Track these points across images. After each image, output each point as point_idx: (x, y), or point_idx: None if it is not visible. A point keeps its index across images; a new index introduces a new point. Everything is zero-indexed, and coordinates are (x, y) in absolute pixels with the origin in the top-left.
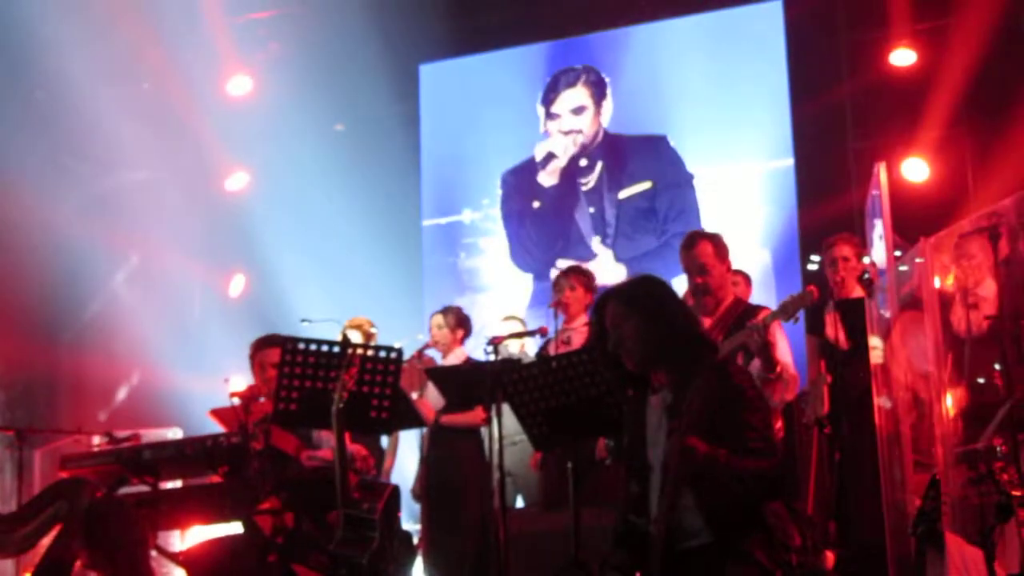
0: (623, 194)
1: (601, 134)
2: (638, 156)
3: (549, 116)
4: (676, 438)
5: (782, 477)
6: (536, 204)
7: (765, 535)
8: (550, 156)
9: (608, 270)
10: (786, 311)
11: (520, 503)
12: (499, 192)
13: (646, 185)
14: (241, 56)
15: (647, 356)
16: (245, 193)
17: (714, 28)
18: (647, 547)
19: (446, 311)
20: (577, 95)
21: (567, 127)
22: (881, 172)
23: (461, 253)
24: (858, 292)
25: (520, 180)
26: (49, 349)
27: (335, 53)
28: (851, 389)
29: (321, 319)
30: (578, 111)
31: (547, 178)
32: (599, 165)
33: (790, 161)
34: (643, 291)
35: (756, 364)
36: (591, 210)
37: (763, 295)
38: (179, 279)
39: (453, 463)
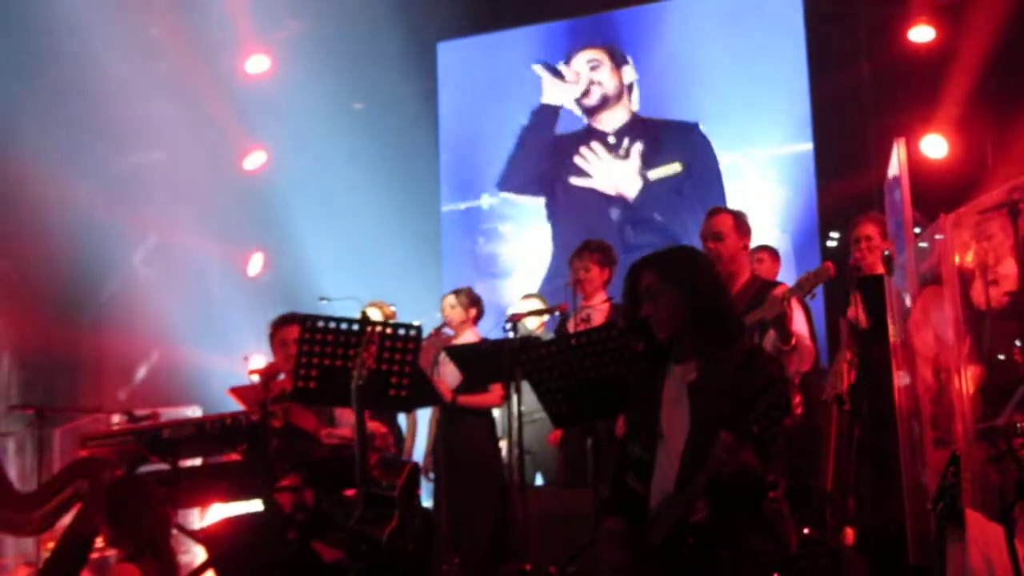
0: (652, 174)
1: (628, 112)
2: (669, 140)
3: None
4: (725, 439)
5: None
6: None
7: (765, 529)
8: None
9: (630, 246)
10: (802, 287)
11: (539, 481)
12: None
13: (676, 167)
14: (259, 35)
15: (678, 327)
16: (263, 172)
17: (733, 5)
18: (643, 514)
19: (458, 291)
20: (590, 53)
21: (583, 85)
22: (900, 149)
23: (480, 239)
24: (880, 270)
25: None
26: (69, 328)
27: (353, 31)
28: (871, 365)
29: (340, 297)
30: (594, 65)
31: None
32: (626, 140)
33: (809, 144)
34: (680, 261)
35: (770, 336)
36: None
37: (782, 275)
38: (198, 258)
39: (462, 441)
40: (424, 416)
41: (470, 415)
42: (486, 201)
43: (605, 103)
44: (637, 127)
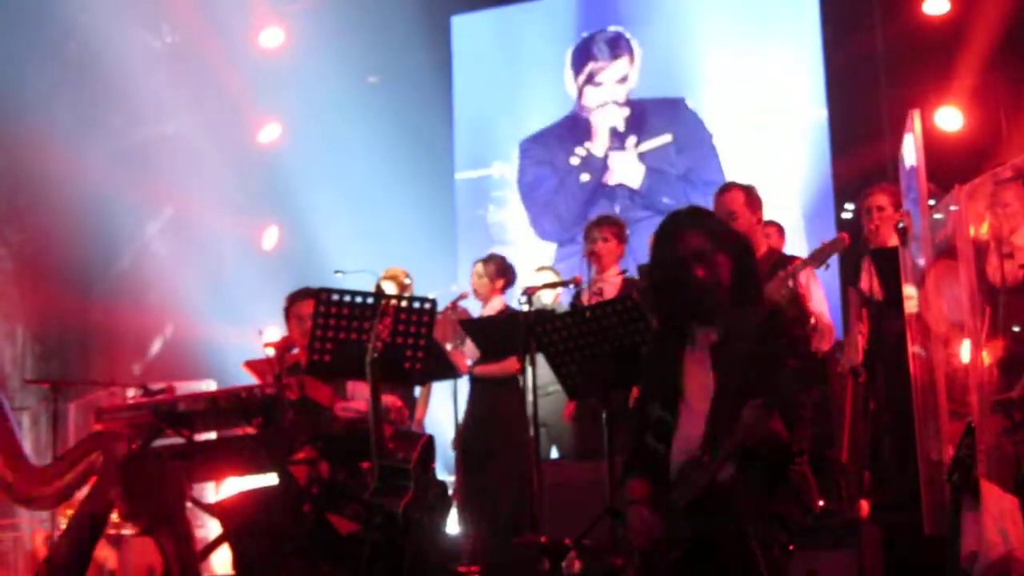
0: (643, 147)
1: (623, 96)
2: (658, 117)
3: (592, 83)
4: (753, 406)
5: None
6: (568, 163)
7: (790, 494)
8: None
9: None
10: (817, 258)
11: (554, 454)
12: (516, 161)
13: (667, 138)
14: (273, 7)
15: (725, 291)
16: (278, 145)
17: None
18: (664, 474)
19: (488, 260)
20: (622, 66)
21: (610, 96)
22: (915, 120)
23: (490, 206)
24: (893, 241)
25: (541, 147)
26: (83, 302)
27: (367, 4)
28: (886, 338)
29: (355, 270)
30: (622, 80)
31: (598, 147)
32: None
33: (823, 112)
34: (723, 225)
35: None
36: (614, 175)
37: (797, 244)
38: (212, 231)
39: (490, 413)
40: (442, 389)
41: (500, 388)
42: (497, 170)
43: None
44: (629, 111)
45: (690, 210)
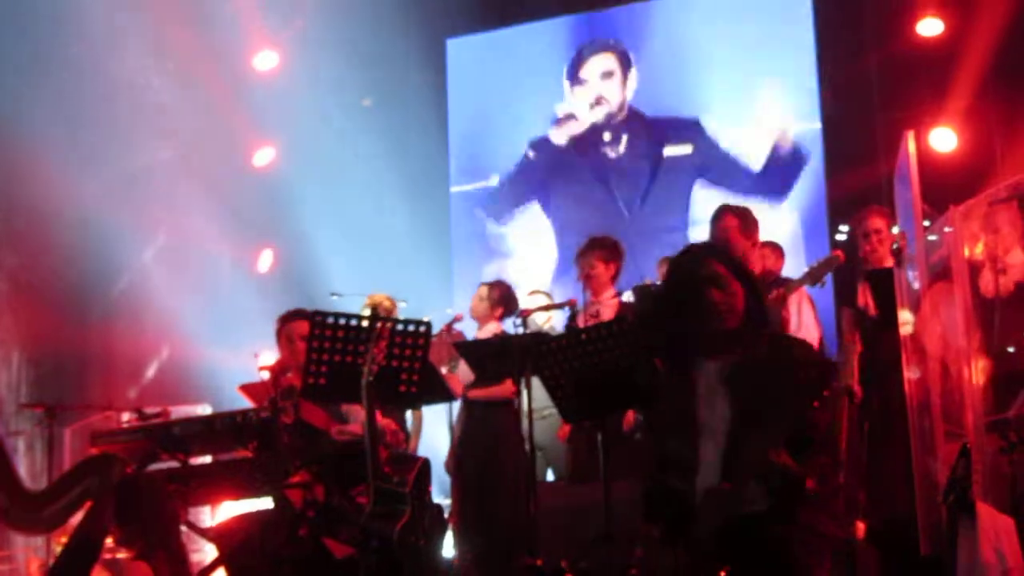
0: (668, 151)
1: (626, 108)
2: (673, 137)
3: (576, 81)
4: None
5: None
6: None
7: (820, 506)
8: (570, 116)
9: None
10: (811, 276)
11: (550, 476)
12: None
13: (687, 149)
14: (268, 31)
15: (739, 320)
16: (273, 168)
17: None
18: (688, 512)
19: (493, 285)
20: (606, 60)
21: (595, 93)
22: (910, 141)
23: (488, 220)
24: (890, 263)
25: (543, 154)
26: (79, 326)
27: (362, 28)
28: (881, 359)
29: (351, 293)
30: (607, 75)
31: (559, 135)
32: (624, 139)
33: (817, 124)
34: (736, 258)
35: None
36: (615, 184)
37: (792, 260)
38: (208, 255)
39: (486, 437)
40: (436, 414)
41: (494, 410)
42: (495, 181)
43: (608, 120)
44: (634, 122)
45: (705, 243)
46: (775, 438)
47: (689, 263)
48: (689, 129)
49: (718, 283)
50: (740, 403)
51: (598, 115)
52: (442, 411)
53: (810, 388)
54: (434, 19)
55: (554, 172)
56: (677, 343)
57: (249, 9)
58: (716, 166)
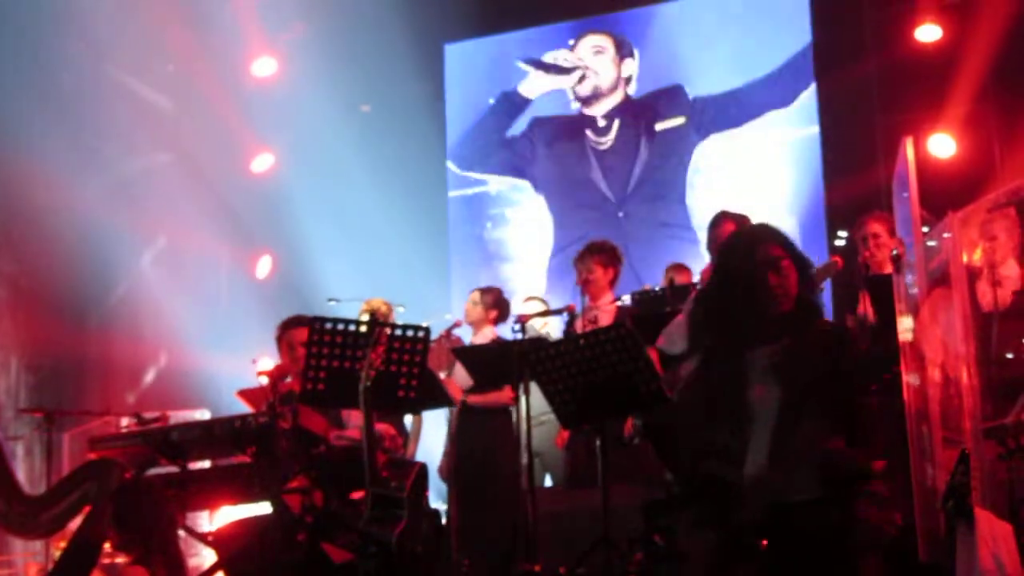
0: (659, 126)
1: (620, 90)
2: (661, 108)
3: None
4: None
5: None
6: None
7: (871, 498)
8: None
9: (625, 234)
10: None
11: (548, 482)
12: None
13: (680, 120)
14: (266, 37)
15: (792, 303)
16: (271, 174)
17: (739, 4)
18: (733, 498)
19: (486, 290)
20: (598, 38)
21: (582, 62)
22: (908, 147)
23: (488, 224)
24: (888, 268)
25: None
26: (77, 331)
27: (360, 34)
28: (880, 365)
29: (349, 298)
30: (598, 51)
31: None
32: (616, 123)
33: (815, 128)
34: (790, 239)
35: None
36: (606, 171)
37: None
38: (206, 260)
39: (483, 442)
40: (433, 419)
41: (489, 416)
42: (494, 187)
43: (597, 95)
44: (628, 108)
45: (761, 223)
46: (828, 425)
47: (745, 244)
48: (678, 96)
49: (774, 266)
50: (792, 389)
51: (585, 88)
52: (440, 416)
53: (867, 371)
54: (432, 24)
55: (545, 153)
56: (728, 326)
57: (248, 15)
58: (713, 106)
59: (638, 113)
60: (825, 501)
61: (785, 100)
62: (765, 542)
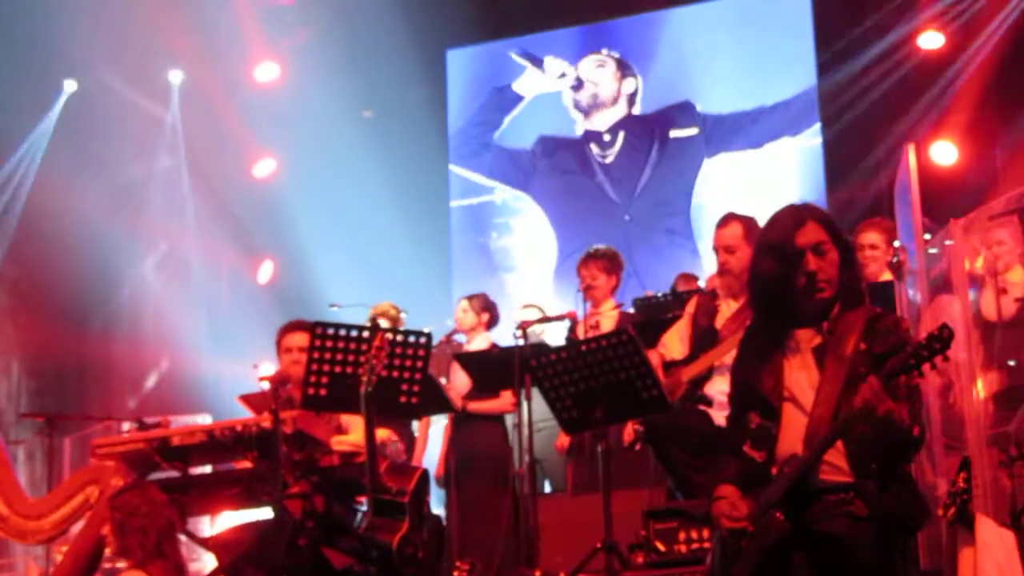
0: (674, 133)
1: (623, 105)
2: (673, 117)
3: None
4: (872, 383)
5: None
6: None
7: (904, 487)
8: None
9: (630, 240)
10: None
11: (548, 488)
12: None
13: (694, 130)
14: (269, 42)
15: (834, 288)
16: (273, 179)
17: (742, 12)
18: (762, 479)
19: (472, 297)
20: (599, 57)
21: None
22: (910, 154)
23: (492, 233)
24: (884, 277)
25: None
26: (79, 336)
27: (362, 39)
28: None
29: (350, 304)
30: (599, 65)
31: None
32: (621, 135)
33: (818, 138)
34: (835, 222)
35: None
36: (612, 179)
37: None
38: (208, 266)
39: (475, 449)
40: (438, 423)
41: (483, 421)
42: (499, 196)
43: (598, 104)
44: (634, 121)
45: (806, 203)
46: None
47: (790, 227)
48: (688, 111)
49: (818, 250)
50: (833, 378)
51: (585, 96)
52: (442, 421)
53: (919, 355)
54: (434, 30)
55: (548, 164)
56: (768, 305)
57: (251, 20)
58: (723, 126)
59: (646, 124)
60: (853, 486)
61: (797, 128)
62: (780, 515)
